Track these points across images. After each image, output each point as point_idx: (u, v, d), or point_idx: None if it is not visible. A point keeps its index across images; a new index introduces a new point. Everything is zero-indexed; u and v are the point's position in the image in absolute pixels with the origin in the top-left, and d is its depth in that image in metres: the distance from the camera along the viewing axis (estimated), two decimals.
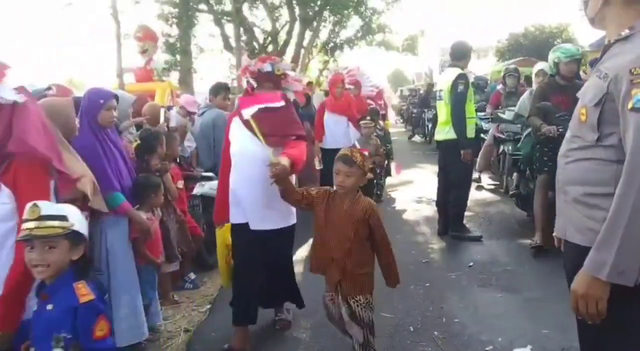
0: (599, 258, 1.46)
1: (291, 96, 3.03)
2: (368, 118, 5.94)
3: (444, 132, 4.87)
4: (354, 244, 2.48)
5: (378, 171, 6.41)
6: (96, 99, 2.83)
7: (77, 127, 2.64)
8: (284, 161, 2.61)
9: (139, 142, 3.50)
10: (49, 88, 4.29)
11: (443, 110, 4.89)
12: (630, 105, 1.41)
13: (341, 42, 19.73)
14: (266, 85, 2.95)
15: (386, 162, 6.83)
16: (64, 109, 2.58)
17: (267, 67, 2.96)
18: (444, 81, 4.92)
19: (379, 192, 6.70)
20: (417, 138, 14.77)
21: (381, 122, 7.23)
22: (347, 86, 6.25)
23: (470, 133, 4.80)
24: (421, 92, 16.10)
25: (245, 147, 2.91)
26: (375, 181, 6.36)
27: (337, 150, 5.67)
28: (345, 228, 2.48)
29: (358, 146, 5.57)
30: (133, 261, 2.99)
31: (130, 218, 2.93)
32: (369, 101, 7.22)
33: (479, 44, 24.50)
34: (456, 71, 4.74)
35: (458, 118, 4.68)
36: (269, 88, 2.95)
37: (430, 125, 12.44)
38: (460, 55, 4.87)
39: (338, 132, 6.08)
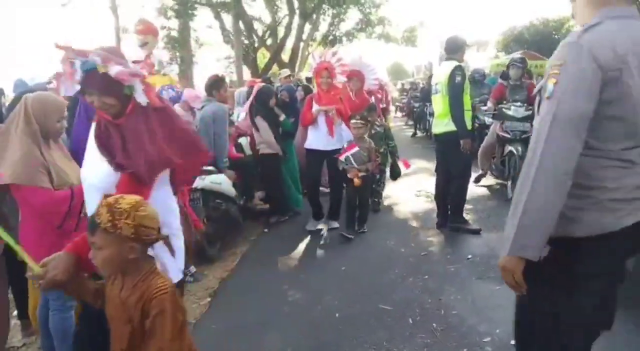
0: (506, 233, 1.59)
1: (142, 100, 1.87)
2: (358, 117, 5.01)
3: (443, 124, 4.88)
4: (130, 348, 1.60)
5: (378, 177, 5.91)
6: None
7: (64, 127, 2.59)
8: (52, 274, 1.66)
9: None
10: (49, 82, 4.30)
11: (440, 103, 4.89)
12: (546, 95, 1.53)
13: (340, 35, 19.69)
14: (92, 93, 1.86)
15: (390, 162, 6.09)
16: (56, 106, 2.53)
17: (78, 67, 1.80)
18: (441, 74, 4.92)
19: (376, 199, 6.06)
20: (419, 133, 14.37)
21: (380, 119, 6.32)
22: (339, 78, 5.28)
23: (468, 124, 4.82)
24: (422, 85, 15.75)
25: (91, 170, 1.98)
26: (373, 187, 5.82)
27: (322, 152, 5.08)
28: (121, 324, 1.62)
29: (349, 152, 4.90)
30: None
31: None
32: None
33: (479, 37, 24.43)
34: (453, 63, 4.77)
35: (457, 110, 4.71)
36: (95, 95, 1.85)
37: (431, 120, 12.23)
38: (454, 48, 4.91)
39: (323, 131, 5.11)
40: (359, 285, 3.85)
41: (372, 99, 6.54)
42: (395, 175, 6.08)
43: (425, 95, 13.14)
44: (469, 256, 4.32)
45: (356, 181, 4.86)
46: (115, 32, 10.35)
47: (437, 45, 30.59)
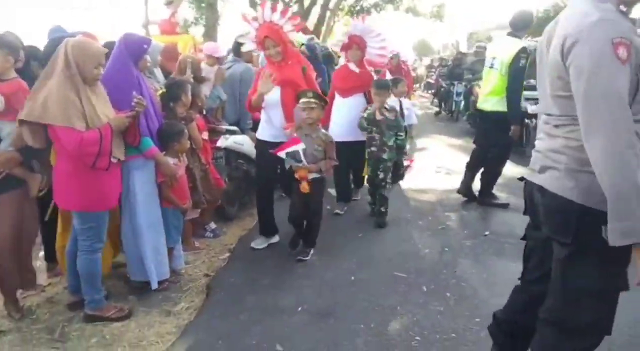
0: None
1: None
2: (311, 94, 3.57)
3: (493, 102, 4.74)
4: None
5: (382, 177, 4.45)
6: (141, 44, 2.96)
7: (100, 74, 2.66)
8: None
9: (164, 90, 3.54)
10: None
11: (495, 79, 4.70)
12: None
13: (368, 6, 19.30)
14: None
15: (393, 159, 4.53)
16: (95, 53, 2.60)
17: None
18: (502, 51, 4.65)
19: (383, 209, 4.54)
20: (443, 113, 13.71)
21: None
22: (296, 37, 4.01)
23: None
24: (449, 63, 14.94)
25: None
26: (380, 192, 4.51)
27: (274, 144, 3.69)
28: None
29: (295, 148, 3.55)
30: (157, 203, 3.09)
31: (157, 162, 3.00)
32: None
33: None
34: (519, 43, 4.56)
35: (515, 93, 4.58)
36: None
37: (459, 100, 11.51)
38: (521, 24, 4.63)
39: (275, 116, 3.74)
40: (374, 252, 3.90)
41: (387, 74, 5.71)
42: (396, 178, 4.92)
43: (452, 73, 12.69)
44: (487, 233, 4.32)
45: (303, 186, 3.57)
46: None
47: (465, 22, 29.93)
